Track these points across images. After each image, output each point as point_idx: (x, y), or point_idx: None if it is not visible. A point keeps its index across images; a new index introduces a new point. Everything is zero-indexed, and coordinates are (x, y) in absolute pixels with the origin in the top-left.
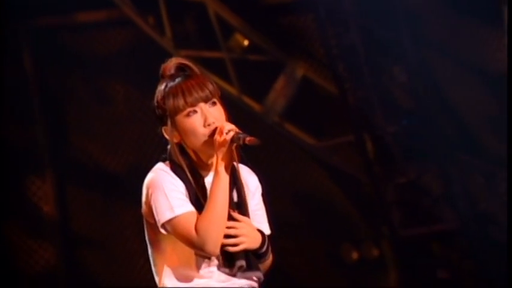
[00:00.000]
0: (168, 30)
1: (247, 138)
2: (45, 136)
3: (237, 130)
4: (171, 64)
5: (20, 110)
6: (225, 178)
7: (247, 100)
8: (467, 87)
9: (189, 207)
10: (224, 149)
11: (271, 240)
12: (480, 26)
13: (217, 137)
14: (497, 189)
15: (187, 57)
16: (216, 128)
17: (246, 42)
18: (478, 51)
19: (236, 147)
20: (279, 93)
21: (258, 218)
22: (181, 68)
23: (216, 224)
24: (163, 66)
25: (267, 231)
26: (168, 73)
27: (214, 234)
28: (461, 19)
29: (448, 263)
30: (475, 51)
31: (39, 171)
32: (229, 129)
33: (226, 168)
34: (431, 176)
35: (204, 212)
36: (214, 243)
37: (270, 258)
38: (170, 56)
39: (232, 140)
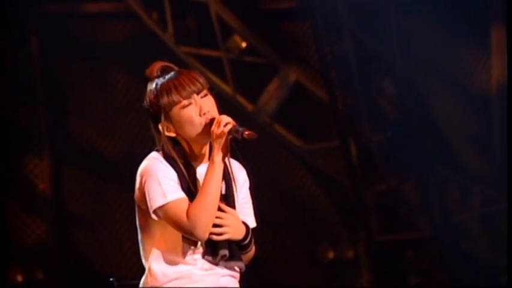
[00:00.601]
0: (171, 26)
1: (246, 132)
2: (46, 117)
3: (234, 123)
4: (155, 67)
5: (24, 92)
6: (219, 168)
7: (241, 99)
8: (451, 105)
9: (181, 194)
10: (221, 141)
11: (255, 233)
12: (468, 48)
13: (215, 128)
14: (472, 203)
15: (186, 53)
16: (213, 119)
17: (243, 44)
18: (463, 71)
19: (230, 140)
20: (272, 95)
21: (244, 211)
22: (165, 70)
23: (207, 210)
24: (148, 69)
25: (252, 224)
26: (154, 74)
27: (204, 220)
28: (451, 39)
29: (420, 270)
30: (461, 71)
31: (38, 150)
32: (227, 122)
33: (221, 159)
34: (410, 186)
35: (196, 199)
36: (204, 229)
37: (252, 250)
38: (170, 50)
39: (230, 132)
